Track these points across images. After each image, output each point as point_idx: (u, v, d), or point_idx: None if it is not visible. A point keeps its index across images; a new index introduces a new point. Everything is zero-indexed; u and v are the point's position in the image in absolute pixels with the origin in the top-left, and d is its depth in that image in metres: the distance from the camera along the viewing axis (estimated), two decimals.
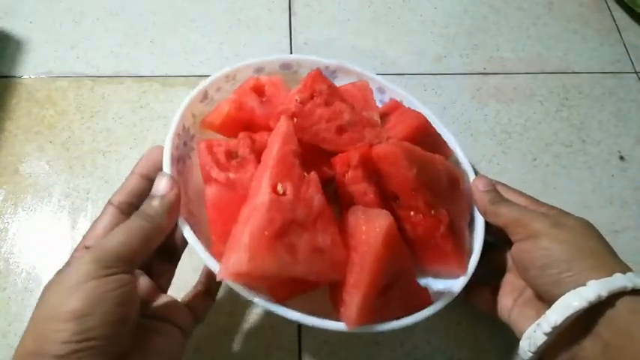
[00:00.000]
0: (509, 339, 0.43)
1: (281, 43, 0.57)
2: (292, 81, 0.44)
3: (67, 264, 0.30)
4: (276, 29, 0.58)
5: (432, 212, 0.37)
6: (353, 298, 0.31)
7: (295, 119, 0.36)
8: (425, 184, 0.36)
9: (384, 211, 0.33)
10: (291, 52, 0.56)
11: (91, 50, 0.54)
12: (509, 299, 0.39)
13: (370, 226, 0.32)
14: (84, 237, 0.33)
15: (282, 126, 0.34)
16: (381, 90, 0.46)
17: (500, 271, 0.41)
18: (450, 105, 0.54)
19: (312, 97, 0.38)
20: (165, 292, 0.36)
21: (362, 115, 0.39)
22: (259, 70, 0.44)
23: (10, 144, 0.48)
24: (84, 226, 0.45)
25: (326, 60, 0.45)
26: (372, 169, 0.37)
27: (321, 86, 0.38)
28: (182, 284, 0.39)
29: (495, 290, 0.40)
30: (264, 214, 0.30)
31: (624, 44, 0.60)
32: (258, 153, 0.35)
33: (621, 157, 0.53)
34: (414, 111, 0.43)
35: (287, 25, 0.58)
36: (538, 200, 0.40)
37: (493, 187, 0.40)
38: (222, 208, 0.33)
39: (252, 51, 0.56)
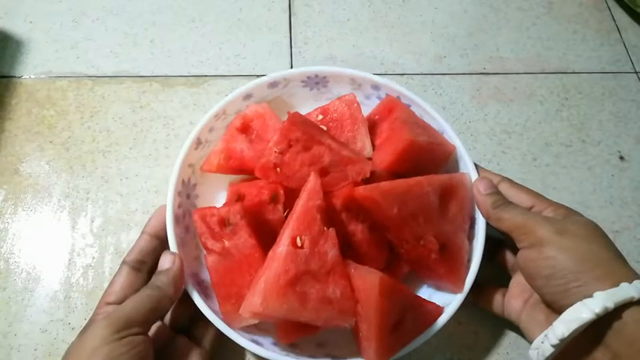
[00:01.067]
0: (510, 339, 0.43)
1: (281, 43, 0.57)
2: (284, 97, 0.46)
3: (87, 326, 0.33)
4: (276, 29, 0.58)
5: (421, 242, 0.38)
6: (370, 347, 0.34)
7: (278, 169, 0.39)
8: (410, 217, 0.38)
9: (372, 270, 0.36)
10: (291, 52, 0.56)
11: (91, 50, 0.54)
12: (519, 301, 0.39)
13: (364, 284, 0.35)
14: (104, 293, 0.36)
15: (310, 182, 0.36)
16: (376, 87, 0.46)
17: (511, 270, 0.41)
18: (450, 105, 0.54)
19: (290, 146, 0.39)
20: (208, 352, 0.38)
21: (342, 154, 0.40)
22: (247, 96, 0.44)
23: (10, 144, 0.48)
24: (84, 226, 0.45)
25: (314, 68, 0.46)
26: (358, 208, 0.38)
27: (297, 134, 0.39)
28: None
29: (506, 292, 0.40)
30: (281, 263, 0.33)
31: (624, 44, 0.60)
32: (248, 215, 0.37)
33: (621, 157, 0.53)
34: (401, 130, 0.41)
35: (287, 25, 0.58)
36: (544, 198, 0.39)
37: (495, 189, 0.40)
38: (222, 274, 0.37)
39: (252, 51, 0.56)
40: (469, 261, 0.39)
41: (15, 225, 0.45)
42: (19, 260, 0.44)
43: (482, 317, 0.43)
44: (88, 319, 0.41)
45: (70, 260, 0.44)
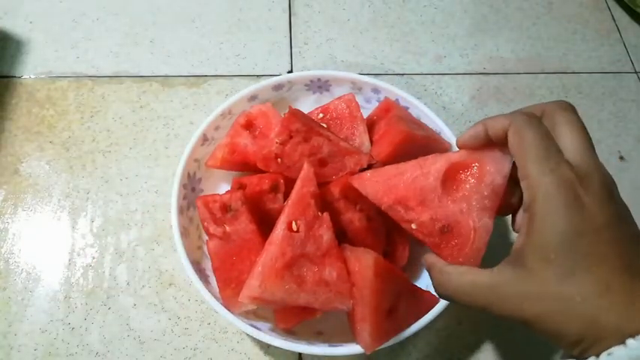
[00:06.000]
0: (510, 339, 0.43)
1: (281, 43, 0.57)
2: (287, 99, 0.47)
3: None
4: (276, 29, 0.58)
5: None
6: (364, 330, 0.34)
7: (279, 160, 0.40)
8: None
9: (368, 250, 0.36)
10: (291, 52, 0.56)
11: (91, 50, 0.54)
12: None
13: (359, 265, 0.35)
14: None
15: (304, 170, 0.37)
16: (376, 90, 0.47)
17: None
18: (450, 105, 0.54)
19: (290, 137, 0.40)
20: None
21: (340, 145, 0.41)
22: (253, 97, 0.46)
23: (10, 144, 0.48)
24: (84, 226, 0.45)
25: (317, 72, 0.47)
26: (355, 197, 0.38)
27: (297, 125, 0.40)
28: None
29: None
30: (277, 247, 0.34)
31: (624, 44, 0.60)
32: (249, 202, 0.38)
33: (621, 157, 0.53)
34: (397, 124, 0.42)
35: (287, 25, 0.58)
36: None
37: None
38: (223, 259, 0.38)
39: (252, 51, 0.56)
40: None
41: (15, 225, 0.45)
42: (19, 260, 0.43)
43: (483, 317, 0.43)
44: (87, 319, 0.41)
45: (70, 260, 0.44)
